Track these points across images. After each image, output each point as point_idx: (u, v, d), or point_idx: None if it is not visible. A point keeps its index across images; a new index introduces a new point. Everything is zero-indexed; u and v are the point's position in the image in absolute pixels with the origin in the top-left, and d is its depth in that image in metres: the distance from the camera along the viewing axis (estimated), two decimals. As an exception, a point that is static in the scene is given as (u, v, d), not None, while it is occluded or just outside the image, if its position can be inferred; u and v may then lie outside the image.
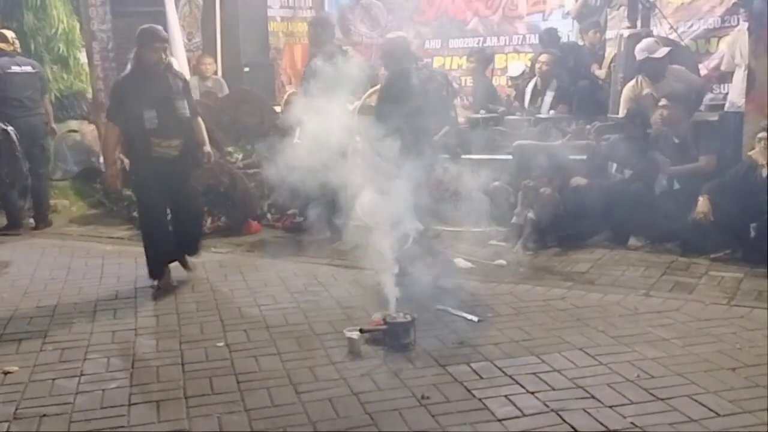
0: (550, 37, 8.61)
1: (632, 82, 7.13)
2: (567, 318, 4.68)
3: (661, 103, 6.38)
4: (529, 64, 8.93)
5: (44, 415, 3.55)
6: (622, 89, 7.23)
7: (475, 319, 4.68)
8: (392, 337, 4.25)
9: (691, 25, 8.79)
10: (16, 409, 3.63)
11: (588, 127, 7.16)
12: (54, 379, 3.97)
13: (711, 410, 3.38)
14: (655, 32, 7.75)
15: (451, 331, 4.50)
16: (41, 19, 8.98)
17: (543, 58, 8.01)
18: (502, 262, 6.00)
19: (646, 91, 6.97)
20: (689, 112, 6.65)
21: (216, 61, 9.27)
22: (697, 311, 4.72)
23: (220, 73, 9.35)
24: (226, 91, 8.82)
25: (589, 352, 4.08)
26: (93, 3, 8.85)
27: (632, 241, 6.24)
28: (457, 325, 4.61)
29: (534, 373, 3.85)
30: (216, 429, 3.38)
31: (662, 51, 6.92)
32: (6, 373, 4.06)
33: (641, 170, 6.34)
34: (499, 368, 3.92)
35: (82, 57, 9.22)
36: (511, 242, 6.50)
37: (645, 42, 7.04)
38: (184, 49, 9.39)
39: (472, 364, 3.98)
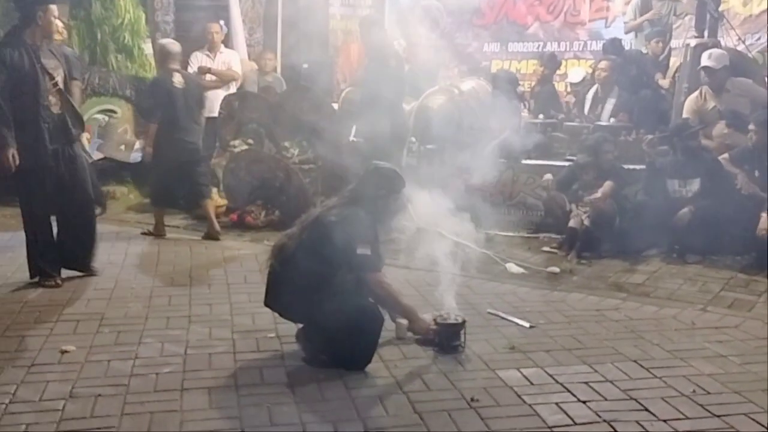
0: (614, 48, 8.48)
1: (695, 94, 6.99)
2: (621, 329, 4.60)
3: (750, 127, 6.19)
4: (590, 70, 8.83)
5: (99, 395, 3.62)
6: (686, 100, 7.10)
7: (527, 325, 4.64)
8: (442, 339, 4.23)
9: (759, 38, 8.61)
10: (72, 388, 3.70)
11: (648, 137, 7.05)
12: (109, 361, 4.03)
13: (768, 430, 3.30)
14: (722, 43, 7.59)
15: (502, 336, 4.47)
16: (108, 9, 9.12)
17: (602, 65, 7.93)
18: (555, 269, 5.94)
19: (711, 103, 6.82)
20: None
21: (276, 58, 9.36)
22: (755, 329, 4.60)
23: (279, 69, 9.45)
24: (284, 88, 8.90)
25: (643, 365, 4.01)
26: (159, -6, 9.03)
27: (690, 256, 6.11)
28: (508, 330, 4.58)
29: (586, 383, 3.79)
30: (266, 419, 3.40)
31: (720, 62, 6.77)
32: (63, 352, 4.15)
33: (712, 188, 6.18)
34: (551, 375, 3.88)
35: (147, 48, 9.37)
36: (564, 250, 6.42)
37: (710, 52, 6.89)
38: (245, 43, 9.50)
39: (522, 370, 3.94)
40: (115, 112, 9.09)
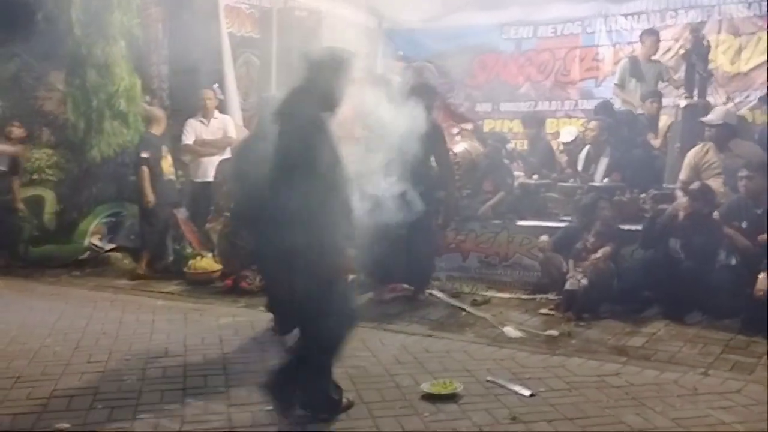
0: (605, 110, 8.56)
1: (698, 147, 6.98)
2: (622, 396, 4.53)
3: (742, 174, 6.22)
4: (581, 129, 8.90)
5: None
6: (678, 159, 7.14)
7: (527, 393, 4.57)
8: None
9: (748, 96, 8.71)
10: (65, 469, 3.62)
11: (642, 196, 7.09)
12: (104, 440, 3.96)
13: (778, 504, 3.23)
14: (711, 102, 7.68)
15: (502, 405, 4.39)
16: (104, 76, 9.14)
17: (591, 125, 8.03)
18: (554, 332, 5.88)
19: (711, 159, 6.83)
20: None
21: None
22: (758, 393, 4.54)
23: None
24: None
25: (647, 435, 3.95)
26: (154, 61, 9.10)
27: (690, 316, 6.08)
28: (509, 399, 4.50)
29: (590, 455, 3.73)
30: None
31: (722, 118, 6.84)
32: (58, 431, 4.07)
33: (703, 246, 6.17)
34: (554, 448, 3.82)
35: (143, 113, 9.41)
36: (562, 311, 6.38)
37: (719, 110, 6.99)
38: (240, 108, 9.56)
39: (525, 442, 3.89)
40: (121, 212, 9.34)
